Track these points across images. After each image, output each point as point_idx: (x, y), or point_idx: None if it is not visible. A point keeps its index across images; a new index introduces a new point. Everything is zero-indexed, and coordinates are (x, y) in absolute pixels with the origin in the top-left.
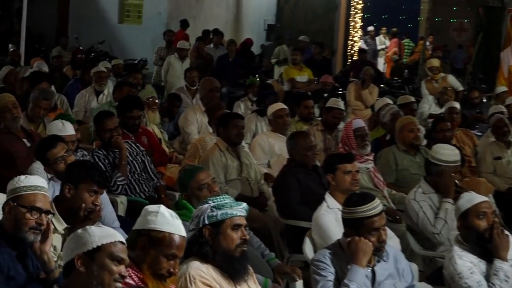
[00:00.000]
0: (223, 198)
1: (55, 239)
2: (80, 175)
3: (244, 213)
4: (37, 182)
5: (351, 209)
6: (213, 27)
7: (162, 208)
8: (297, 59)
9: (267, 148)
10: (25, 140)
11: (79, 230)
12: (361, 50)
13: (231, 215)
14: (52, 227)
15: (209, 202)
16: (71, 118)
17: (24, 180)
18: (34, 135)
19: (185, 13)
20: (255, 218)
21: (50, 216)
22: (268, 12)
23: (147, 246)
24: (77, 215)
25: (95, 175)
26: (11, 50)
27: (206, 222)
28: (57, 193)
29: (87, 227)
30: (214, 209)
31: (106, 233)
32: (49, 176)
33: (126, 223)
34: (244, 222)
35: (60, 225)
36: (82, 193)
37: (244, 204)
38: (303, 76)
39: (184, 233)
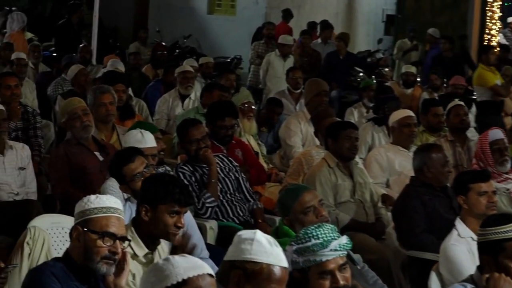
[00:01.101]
0: (309, 236)
1: (134, 266)
2: (158, 194)
3: (335, 255)
4: (110, 203)
5: (488, 229)
6: (321, 18)
7: (259, 234)
8: (491, 58)
9: (386, 164)
10: (97, 153)
11: (160, 261)
12: (502, 46)
13: (314, 262)
14: (129, 257)
15: (292, 244)
16: (152, 126)
17: (94, 201)
18: (107, 147)
19: (288, 2)
20: (371, 248)
21: (125, 243)
22: (387, 0)
23: (242, 281)
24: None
25: (175, 192)
26: (81, 46)
27: (290, 268)
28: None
29: (170, 257)
30: (296, 255)
31: (193, 265)
32: (126, 196)
33: (216, 252)
34: (337, 264)
35: (141, 250)
36: (162, 216)
37: (339, 241)
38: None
39: (285, 264)
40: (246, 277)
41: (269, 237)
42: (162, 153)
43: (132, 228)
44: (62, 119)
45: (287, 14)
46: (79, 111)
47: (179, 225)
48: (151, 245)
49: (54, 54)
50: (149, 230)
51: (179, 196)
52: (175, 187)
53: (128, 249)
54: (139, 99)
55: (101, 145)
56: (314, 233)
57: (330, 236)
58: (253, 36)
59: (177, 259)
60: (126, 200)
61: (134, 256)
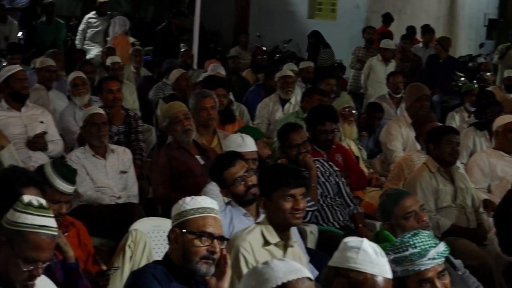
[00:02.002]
0: (406, 245)
1: (263, 254)
2: (268, 184)
3: (434, 263)
4: (205, 203)
5: None
6: (422, 23)
7: (365, 244)
8: None
9: (488, 169)
10: (198, 157)
11: (260, 265)
12: None
13: (413, 272)
14: (228, 258)
15: (389, 253)
16: (258, 132)
17: (190, 202)
18: (208, 151)
19: (389, 6)
20: (472, 254)
21: (224, 243)
22: (489, 5)
23: None
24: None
25: (283, 177)
26: (182, 50)
27: (390, 277)
28: (235, 220)
29: (269, 261)
30: (394, 265)
31: (292, 268)
32: (226, 200)
33: (316, 257)
34: (435, 271)
35: (273, 238)
36: (278, 203)
37: (437, 249)
38: None
39: (389, 275)
40: (349, 286)
41: (375, 246)
42: (268, 159)
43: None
44: (163, 123)
45: (388, 18)
46: (181, 115)
47: (297, 207)
48: (282, 235)
49: (153, 59)
50: (274, 221)
51: (287, 179)
52: (282, 173)
53: (260, 238)
54: (240, 104)
55: (202, 149)
56: (411, 242)
57: (428, 244)
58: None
59: (276, 263)
60: (227, 204)
61: (266, 243)
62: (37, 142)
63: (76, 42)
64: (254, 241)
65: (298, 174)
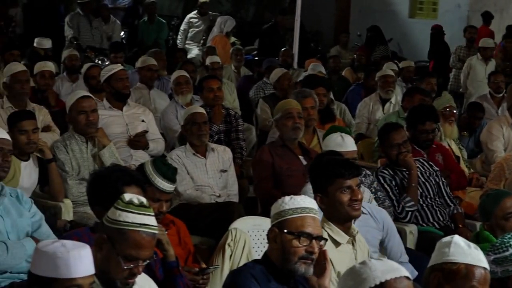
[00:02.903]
0: (506, 246)
1: (338, 255)
2: (322, 178)
3: None
4: (304, 203)
5: None
6: None
7: (456, 238)
8: None
9: None
10: (301, 157)
11: (357, 265)
12: None
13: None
14: (329, 256)
15: (489, 254)
16: (346, 130)
17: (289, 202)
18: (311, 153)
19: (490, 4)
20: None
21: (322, 242)
22: None
23: (441, 283)
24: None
25: (336, 169)
26: (282, 50)
27: (485, 267)
28: None
29: (367, 260)
30: (494, 265)
31: (390, 267)
32: None
33: (416, 257)
34: None
35: (342, 238)
36: (334, 196)
37: None
38: None
39: (485, 264)
40: (445, 278)
41: (467, 241)
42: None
43: (327, 220)
44: (276, 116)
45: (488, 17)
46: (295, 112)
47: (355, 198)
48: (347, 230)
49: (256, 58)
50: (333, 217)
51: (341, 170)
52: (334, 165)
53: (329, 242)
54: (340, 103)
55: (305, 150)
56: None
57: None
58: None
59: (374, 262)
60: None
61: (337, 244)
62: (138, 141)
63: (178, 41)
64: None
65: (351, 165)
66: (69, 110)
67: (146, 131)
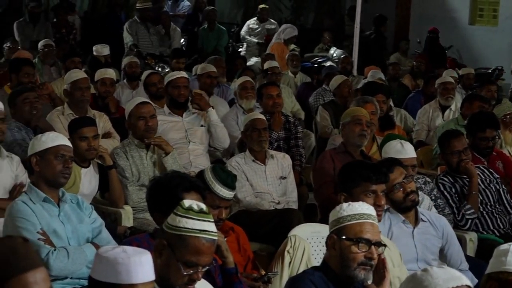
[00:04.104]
0: None
1: None
2: (349, 180)
3: None
4: (362, 209)
5: None
6: None
7: None
8: None
9: None
10: None
11: (419, 272)
12: None
13: None
14: (388, 264)
15: None
16: (400, 138)
17: (347, 208)
18: (371, 160)
19: None
20: None
21: (381, 248)
22: None
23: None
24: None
25: (364, 172)
26: (342, 57)
27: None
28: (394, 227)
29: (428, 268)
30: None
31: (451, 276)
32: (386, 206)
33: (476, 265)
34: None
35: None
36: (358, 199)
37: None
38: None
39: None
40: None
41: None
42: None
43: None
44: (344, 120)
45: None
46: (364, 120)
47: (378, 203)
48: None
49: (316, 65)
50: None
51: (369, 174)
52: (363, 168)
53: None
54: (400, 109)
55: (366, 157)
56: None
57: None
58: None
59: (436, 270)
60: (386, 210)
61: None
62: (199, 100)
63: (240, 49)
64: None
65: (379, 170)
66: (128, 116)
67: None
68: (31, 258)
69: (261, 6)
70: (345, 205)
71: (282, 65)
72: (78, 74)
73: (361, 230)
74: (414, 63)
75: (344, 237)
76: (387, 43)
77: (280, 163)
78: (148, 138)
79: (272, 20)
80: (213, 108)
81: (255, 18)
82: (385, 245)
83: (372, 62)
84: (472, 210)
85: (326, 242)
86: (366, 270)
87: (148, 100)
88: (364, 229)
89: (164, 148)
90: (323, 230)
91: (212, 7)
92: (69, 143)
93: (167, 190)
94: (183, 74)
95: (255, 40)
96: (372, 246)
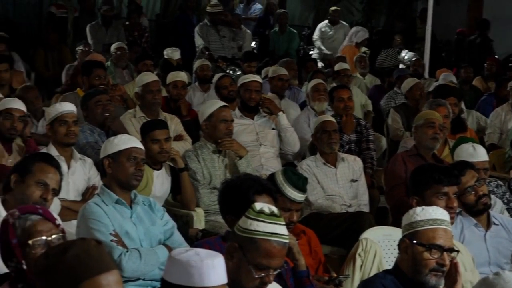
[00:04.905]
0: None
1: None
2: (421, 182)
3: None
4: (436, 214)
5: None
6: None
7: None
8: None
9: None
10: None
11: (491, 276)
12: None
13: None
14: (460, 268)
15: None
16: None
17: (420, 213)
18: (443, 163)
19: None
20: None
21: (453, 254)
22: None
23: None
24: None
25: (435, 175)
26: (413, 59)
27: None
28: (466, 230)
29: (500, 271)
30: None
31: None
32: (458, 210)
33: None
34: None
35: None
36: (430, 201)
37: None
38: None
39: None
40: None
41: None
42: None
43: None
44: (416, 123)
45: None
46: (437, 123)
47: (451, 205)
48: None
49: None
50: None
51: (440, 176)
52: (435, 171)
53: None
54: (471, 110)
55: (438, 160)
56: None
57: None
58: None
59: (508, 274)
60: (458, 213)
61: None
62: (268, 104)
63: (311, 52)
64: None
65: (451, 173)
66: (207, 117)
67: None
68: (104, 260)
69: (332, 8)
70: (418, 209)
71: (353, 68)
72: (149, 77)
73: (434, 236)
74: (485, 65)
75: (416, 242)
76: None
77: (351, 165)
78: (223, 143)
79: (343, 23)
80: (283, 112)
81: (326, 21)
82: (457, 251)
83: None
84: None
85: (399, 246)
86: (437, 276)
87: (227, 105)
88: (437, 235)
89: (238, 152)
90: (394, 233)
91: (283, 10)
92: (141, 146)
93: (239, 193)
94: (257, 78)
95: (326, 51)
96: (445, 253)
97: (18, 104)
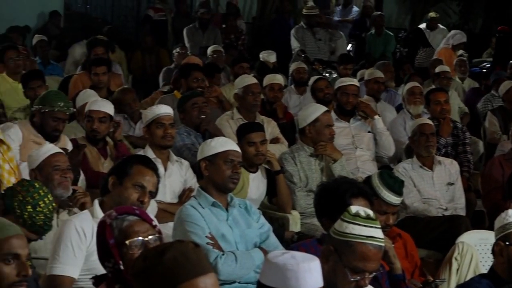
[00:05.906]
0: None
1: None
2: None
3: None
4: None
5: None
6: None
7: None
8: None
9: None
10: None
11: None
12: None
13: None
14: None
15: None
16: None
17: None
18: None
19: None
20: None
21: None
22: None
23: None
24: None
25: None
26: (511, 62)
27: None
28: None
29: None
30: None
31: None
32: None
33: None
34: None
35: None
36: None
37: None
38: None
39: None
40: None
41: None
42: None
43: None
44: None
45: None
46: None
47: None
48: None
49: (484, 70)
50: None
51: None
52: None
53: None
54: None
55: None
56: None
57: None
58: None
59: None
60: None
61: None
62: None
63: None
64: None
65: None
66: (312, 121)
67: None
68: (202, 263)
69: (431, 14)
70: (510, 211)
71: (452, 71)
72: (250, 79)
73: None
74: None
75: (510, 243)
76: None
77: (448, 169)
78: (317, 147)
79: (441, 26)
80: (379, 116)
81: (424, 25)
82: None
83: None
84: None
85: (493, 249)
86: None
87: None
88: None
89: (332, 156)
90: (491, 237)
91: (379, 13)
92: (238, 148)
93: (335, 196)
94: (355, 82)
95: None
96: None
97: (97, 106)
